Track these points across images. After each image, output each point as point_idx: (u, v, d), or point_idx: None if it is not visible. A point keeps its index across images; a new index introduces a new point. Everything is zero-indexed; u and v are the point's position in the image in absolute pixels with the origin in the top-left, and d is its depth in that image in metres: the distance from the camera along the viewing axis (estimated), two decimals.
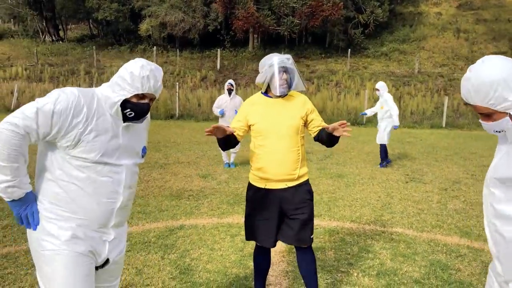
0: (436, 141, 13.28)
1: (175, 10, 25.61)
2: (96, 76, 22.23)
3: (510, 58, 1.57)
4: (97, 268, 1.92)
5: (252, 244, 4.15)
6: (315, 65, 25.00)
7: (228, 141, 2.73)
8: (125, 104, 1.85)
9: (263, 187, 2.73)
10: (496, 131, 1.61)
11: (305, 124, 2.79)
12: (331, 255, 3.92)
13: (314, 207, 2.84)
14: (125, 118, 1.90)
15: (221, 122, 8.05)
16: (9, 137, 1.67)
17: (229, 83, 8.23)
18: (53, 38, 30.90)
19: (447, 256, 3.98)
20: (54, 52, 27.32)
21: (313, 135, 2.83)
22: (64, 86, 22.15)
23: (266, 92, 2.76)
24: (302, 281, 3.37)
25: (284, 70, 2.64)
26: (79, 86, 20.87)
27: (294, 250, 3.93)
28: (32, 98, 19.55)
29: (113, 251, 1.95)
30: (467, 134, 15.85)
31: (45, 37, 30.77)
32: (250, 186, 2.82)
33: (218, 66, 24.33)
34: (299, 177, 2.71)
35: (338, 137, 2.66)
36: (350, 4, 26.26)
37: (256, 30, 25.43)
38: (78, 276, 1.80)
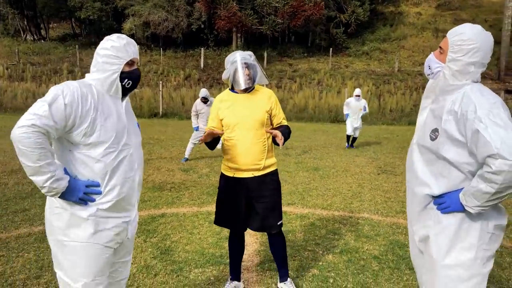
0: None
1: (158, 9, 25.76)
2: (79, 75, 22.25)
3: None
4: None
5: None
6: (298, 64, 25.45)
7: (215, 141, 2.96)
8: (120, 76, 2.00)
9: (231, 176, 2.93)
10: (429, 68, 2.02)
11: (270, 117, 2.96)
12: (300, 237, 4.28)
13: (282, 196, 3.07)
14: (123, 92, 2.05)
15: (196, 133, 8.38)
16: (32, 138, 1.73)
17: (202, 97, 8.15)
18: (35, 37, 30.67)
19: (405, 237, 4.37)
20: (36, 51, 27.17)
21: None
22: (47, 85, 21.87)
23: (233, 89, 2.98)
24: (271, 258, 3.72)
25: (246, 66, 2.86)
26: None
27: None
28: (14, 98, 19.53)
29: (131, 229, 2.14)
30: None
31: (26, 36, 30.52)
32: (222, 176, 3.04)
33: (202, 65, 24.58)
34: (265, 167, 2.90)
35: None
36: (331, 4, 26.78)
37: (239, 30, 25.74)
38: (99, 266, 1.98)
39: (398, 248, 4.05)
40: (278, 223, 3.01)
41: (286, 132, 2.92)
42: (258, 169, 2.91)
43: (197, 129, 8.37)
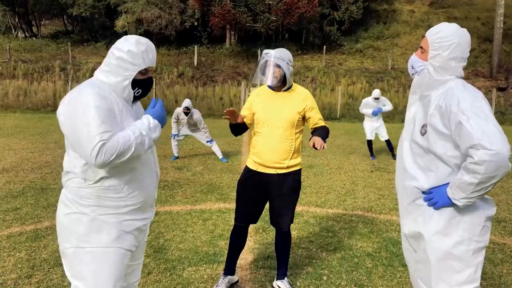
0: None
1: (151, 7, 25.60)
2: (72, 73, 22.06)
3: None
4: None
5: (222, 226, 4.48)
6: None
7: (239, 127, 3.04)
8: (131, 83, 1.90)
9: (255, 169, 2.99)
10: (412, 68, 2.09)
11: (304, 119, 2.98)
12: (294, 234, 4.28)
13: (295, 199, 3.05)
14: (134, 98, 1.97)
15: (174, 143, 8.36)
16: (115, 146, 1.73)
17: (185, 107, 7.86)
18: (26, 34, 30.36)
19: (399, 234, 4.39)
20: (28, 48, 26.89)
21: (310, 130, 3.08)
22: (39, 83, 21.58)
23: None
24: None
25: (278, 66, 2.82)
26: (55, 83, 20.70)
27: (261, 230, 4.29)
28: (6, 95, 19.33)
29: (147, 232, 2.11)
30: None
31: (17, 33, 30.21)
32: (246, 168, 3.08)
33: (195, 63, 24.48)
34: (288, 166, 2.93)
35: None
36: (325, 1, 26.78)
37: (233, 27, 25.67)
38: (120, 271, 1.92)
39: (392, 245, 4.07)
40: (289, 223, 3.05)
41: (322, 133, 2.92)
42: (282, 168, 2.94)
43: (174, 136, 8.28)
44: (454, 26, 1.98)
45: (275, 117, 2.90)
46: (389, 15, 31.37)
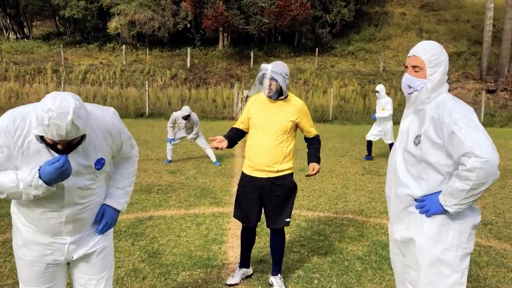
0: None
1: (144, 8, 25.60)
2: (64, 75, 21.99)
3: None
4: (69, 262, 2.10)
5: (215, 230, 4.56)
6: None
7: (236, 138, 3.29)
8: (42, 138, 1.71)
9: (248, 174, 3.19)
10: (409, 87, 2.16)
11: (297, 126, 3.20)
12: (286, 238, 4.35)
13: (289, 199, 3.22)
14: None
15: (169, 145, 8.43)
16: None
17: (187, 114, 7.91)
18: (18, 35, 30.14)
19: (388, 237, 4.48)
20: (19, 50, 26.71)
21: (304, 137, 3.36)
22: (31, 85, 21.41)
23: None
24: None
25: (273, 78, 3.00)
26: (47, 85, 20.61)
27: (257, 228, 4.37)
28: None
29: (76, 251, 2.04)
30: None
31: (9, 34, 29.99)
32: (242, 172, 3.29)
33: (188, 65, 24.51)
34: (278, 171, 3.11)
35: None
36: (317, 4, 26.95)
37: (226, 29, 25.75)
38: (31, 276, 2.03)
39: (381, 248, 4.17)
40: (286, 220, 3.22)
41: (316, 154, 3.30)
42: (272, 171, 3.11)
43: (170, 141, 8.34)
44: (436, 43, 2.14)
45: (269, 123, 3.09)
46: (381, 17, 31.63)
